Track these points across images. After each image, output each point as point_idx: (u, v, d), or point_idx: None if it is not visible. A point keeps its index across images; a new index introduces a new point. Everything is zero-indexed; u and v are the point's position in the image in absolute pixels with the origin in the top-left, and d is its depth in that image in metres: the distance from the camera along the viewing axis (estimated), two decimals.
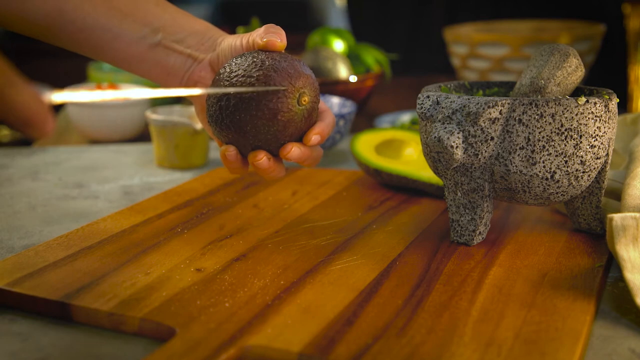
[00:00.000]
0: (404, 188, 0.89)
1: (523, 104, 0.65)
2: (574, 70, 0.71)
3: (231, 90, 0.67)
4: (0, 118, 0.46)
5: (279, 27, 0.71)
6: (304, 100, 0.69)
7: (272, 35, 0.70)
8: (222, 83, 0.69)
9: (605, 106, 0.68)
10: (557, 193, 0.68)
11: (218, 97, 0.69)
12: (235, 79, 0.68)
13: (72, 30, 0.69)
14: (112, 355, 0.55)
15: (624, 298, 0.62)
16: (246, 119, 0.68)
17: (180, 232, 0.75)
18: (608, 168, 0.71)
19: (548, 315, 0.57)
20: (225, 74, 0.69)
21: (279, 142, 0.69)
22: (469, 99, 0.66)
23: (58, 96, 0.51)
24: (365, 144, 0.94)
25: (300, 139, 0.70)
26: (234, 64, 0.69)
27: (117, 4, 0.70)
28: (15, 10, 0.67)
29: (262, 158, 0.69)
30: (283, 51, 0.71)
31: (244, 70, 0.68)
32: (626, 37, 1.29)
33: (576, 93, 0.74)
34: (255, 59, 0.69)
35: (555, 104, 0.65)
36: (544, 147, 0.66)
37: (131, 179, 0.99)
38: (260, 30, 0.71)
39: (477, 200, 0.69)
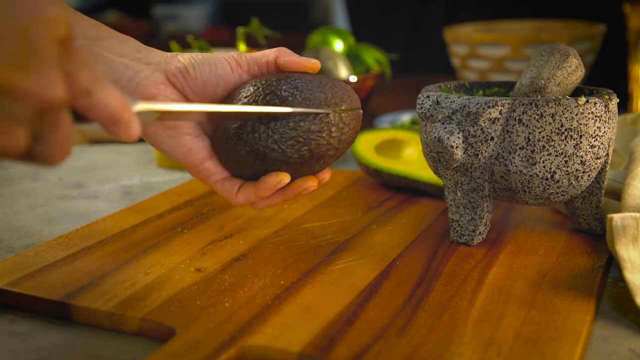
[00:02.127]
0: (404, 188, 0.89)
1: (523, 104, 0.65)
2: (574, 70, 0.71)
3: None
4: (88, 114, 0.45)
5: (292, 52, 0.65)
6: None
7: (306, 59, 0.64)
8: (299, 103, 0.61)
9: (605, 106, 0.68)
10: (557, 193, 0.68)
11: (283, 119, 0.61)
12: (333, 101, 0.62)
13: None
14: (112, 355, 0.55)
15: (624, 298, 0.62)
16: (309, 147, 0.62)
17: (180, 232, 0.75)
18: (608, 168, 0.71)
19: (548, 315, 0.57)
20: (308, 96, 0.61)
21: (306, 173, 0.65)
22: (469, 99, 0.66)
23: (141, 105, 0.51)
24: (365, 144, 0.94)
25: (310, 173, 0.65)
26: (300, 84, 0.62)
27: None
28: None
29: (315, 185, 0.64)
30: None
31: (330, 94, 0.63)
32: (626, 37, 1.29)
33: (576, 93, 0.74)
34: (321, 81, 0.63)
35: (555, 104, 0.65)
36: (544, 147, 0.66)
37: (131, 179, 0.99)
38: (273, 51, 0.64)
39: (477, 200, 0.69)
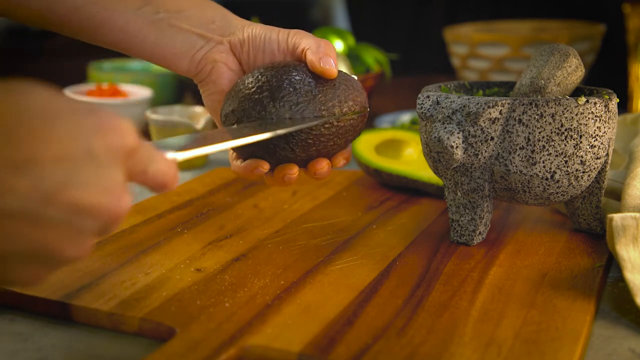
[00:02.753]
0: (404, 188, 0.89)
1: (523, 104, 0.65)
2: (574, 70, 0.71)
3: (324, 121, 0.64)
4: (141, 185, 0.49)
5: (332, 48, 0.68)
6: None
7: (329, 63, 0.65)
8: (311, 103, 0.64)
9: (605, 106, 0.68)
10: (557, 193, 0.68)
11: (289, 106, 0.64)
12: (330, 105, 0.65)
13: (64, 11, 0.66)
14: (112, 355, 0.55)
15: (624, 298, 0.62)
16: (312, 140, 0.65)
17: (180, 232, 0.75)
18: (608, 168, 0.71)
19: (548, 315, 0.57)
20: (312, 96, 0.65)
21: (322, 155, 0.67)
22: (469, 99, 0.66)
23: (181, 154, 0.53)
24: (365, 144, 0.94)
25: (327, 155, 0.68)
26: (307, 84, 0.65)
27: None
28: None
29: (325, 167, 0.67)
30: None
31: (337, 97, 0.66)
32: (626, 37, 1.29)
33: (576, 93, 0.74)
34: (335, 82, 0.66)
35: (555, 104, 0.65)
36: (544, 147, 0.66)
37: None
38: (313, 45, 0.67)
39: (477, 200, 0.69)
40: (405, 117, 1.25)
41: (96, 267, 0.66)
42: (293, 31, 0.69)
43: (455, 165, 0.68)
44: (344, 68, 1.28)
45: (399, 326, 0.55)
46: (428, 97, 0.69)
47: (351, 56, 1.38)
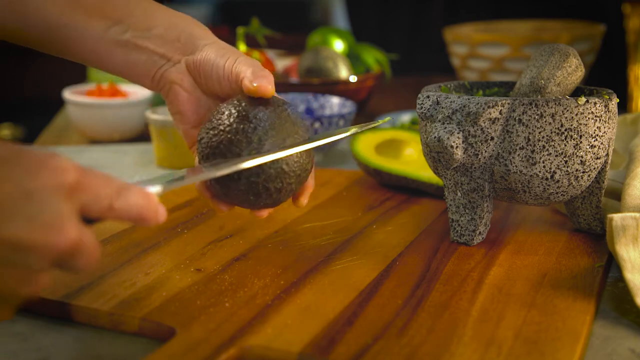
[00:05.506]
0: (404, 188, 0.89)
1: (523, 104, 0.65)
2: (574, 70, 0.71)
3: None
4: (118, 220, 0.50)
5: (267, 71, 0.67)
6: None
7: (263, 81, 0.65)
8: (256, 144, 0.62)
9: (605, 106, 0.68)
10: (557, 193, 0.68)
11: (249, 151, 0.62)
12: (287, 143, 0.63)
13: (37, 32, 0.68)
14: (112, 355, 0.55)
15: (624, 298, 0.62)
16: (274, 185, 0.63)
17: (180, 232, 0.75)
18: (608, 168, 0.71)
19: (548, 315, 0.57)
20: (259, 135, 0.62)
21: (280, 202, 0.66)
22: (469, 99, 0.66)
23: (165, 187, 0.54)
24: (365, 144, 0.94)
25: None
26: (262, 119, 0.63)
27: (82, 2, 0.68)
28: None
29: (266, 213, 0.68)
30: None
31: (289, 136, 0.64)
32: (626, 37, 1.29)
33: (576, 93, 0.74)
34: (282, 113, 0.64)
35: (555, 104, 0.65)
36: (544, 147, 0.66)
37: (131, 179, 0.99)
38: (248, 72, 0.66)
39: (477, 200, 0.69)
40: (405, 117, 1.25)
41: (96, 267, 0.66)
42: (241, 58, 0.67)
43: (455, 165, 0.68)
44: (344, 68, 1.28)
45: (399, 326, 0.55)
46: (428, 97, 0.69)
47: (351, 56, 1.38)
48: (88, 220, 0.48)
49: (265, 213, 0.68)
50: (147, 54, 0.69)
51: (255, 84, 0.65)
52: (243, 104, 0.64)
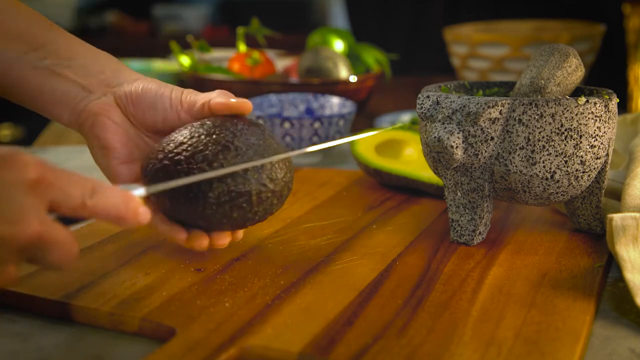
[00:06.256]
0: (404, 188, 0.89)
1: (523, 104, 0.65)
2: (574, 70, 0.71)
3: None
4: (96, 219, 0.51)
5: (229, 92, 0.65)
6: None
7: (236, 99, 0.64)
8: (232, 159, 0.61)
9: (605, 106, 0.68)
10: (557, 193, 0.68)
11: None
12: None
13: None
14: (112, 355, 0.55)
15: (624, 298, 0.62)
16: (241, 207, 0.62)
17: None
18: (608, 168, 0.71)
19: (548, 315, 0.57)
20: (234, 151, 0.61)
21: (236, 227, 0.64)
22: (469, 99, 0.66)
23: (148, 189, 0.54)
24: (365, 144, 0.94)
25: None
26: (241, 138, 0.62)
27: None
28: None
29: (227, 241, 0.65)
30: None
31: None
32: (626, 37, 1.29)
33: (576, 93, 0.74)
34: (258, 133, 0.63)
35: (555, 104, 0.65)
36: (544, 147, 0.66)
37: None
38: (213, 94, 0.64)
39: (477, 200, 0.69)
40: (405, 117, 1.25)
41: (96, 267, 0.66)
42: (187, 90, 0.66)
43: (455, 165, 0.68)
44: (344, 68, 1.28)
45: (399, 326, 0.55)
46: (428, 97, 0.69)
47: (351, 56, 1.38)
48: (67, 220, 0.49)
49: (227, 240, 0.66)
50: (68, 84, 0.65)
51: (233, 100, 0.64)
52: (218, 122, 0.63)
